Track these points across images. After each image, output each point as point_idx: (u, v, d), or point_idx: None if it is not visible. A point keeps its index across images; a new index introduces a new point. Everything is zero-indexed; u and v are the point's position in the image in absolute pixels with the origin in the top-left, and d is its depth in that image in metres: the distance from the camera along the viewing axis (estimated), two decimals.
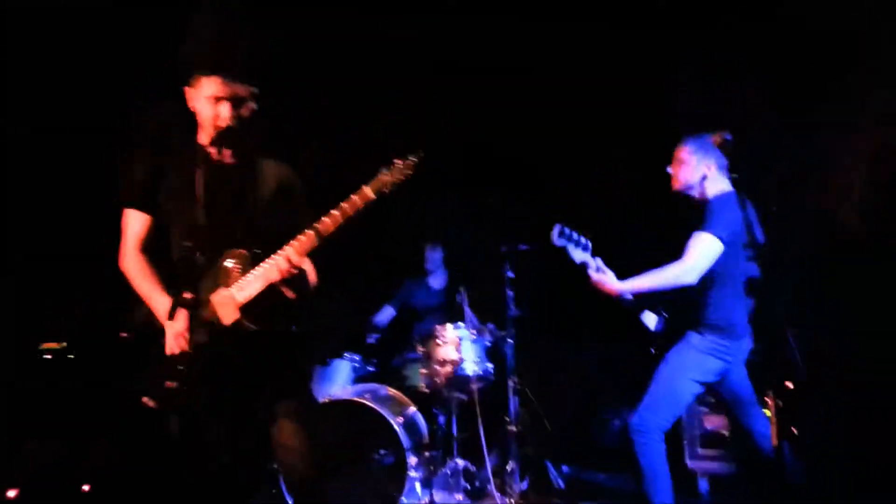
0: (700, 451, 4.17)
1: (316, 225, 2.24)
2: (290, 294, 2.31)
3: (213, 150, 2.28)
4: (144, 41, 3.99)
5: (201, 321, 2.25)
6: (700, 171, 3.14)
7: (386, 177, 2.25)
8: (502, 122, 5.23)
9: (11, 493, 3.64)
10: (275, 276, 2.23)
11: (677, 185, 3.20)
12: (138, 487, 3.51)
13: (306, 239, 2.24)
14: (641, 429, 2.94)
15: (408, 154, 2.28)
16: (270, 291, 2.28)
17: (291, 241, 2.24)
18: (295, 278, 2.25)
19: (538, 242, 4.43)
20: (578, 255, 3.06)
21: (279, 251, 2.24)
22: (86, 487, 3.77)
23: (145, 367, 2.32)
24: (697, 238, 2.97)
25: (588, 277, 3.09)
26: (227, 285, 2.29)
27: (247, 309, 2.28)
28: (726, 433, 4.10)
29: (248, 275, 2.28)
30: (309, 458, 2.30)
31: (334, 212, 2.24)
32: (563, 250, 3.05)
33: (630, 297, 3.12)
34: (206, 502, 2.31)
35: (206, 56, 2.27)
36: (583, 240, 3.05)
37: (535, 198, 5.21)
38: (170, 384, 2.21)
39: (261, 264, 2.27)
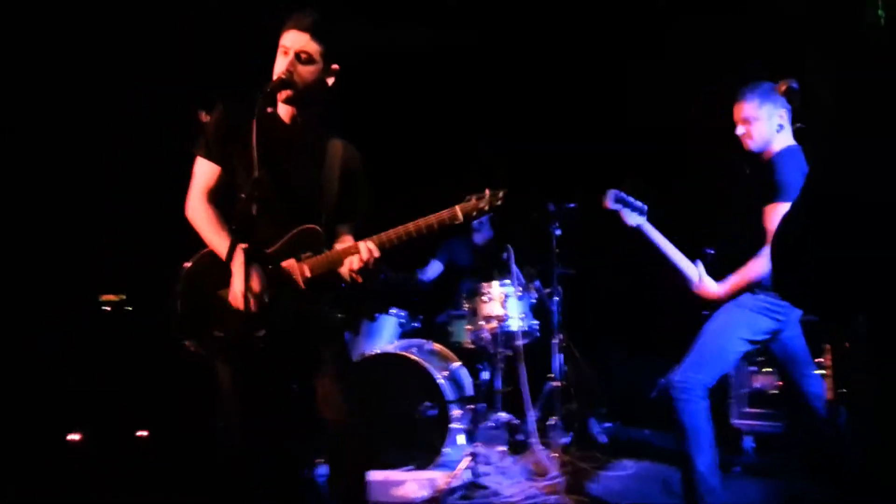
0: (747, 409, 4.14)
1: (400, 228, 2.31)
2: (358, 280, 2.36)
3: (267, 103, 2.30)
4: None
5: (268, 285, 2.31)
6: (775, 122, 2.91)
7: (479, 203, 2.34)
8: (550, 78, 5.18)
9: (75, 437, 3.82)
10: (354, 266, 2.30)
11: (754, 144, 2.95)
12: (192, 435, 3.65)
13: (386, 238, 2.31)
14: (684, 386, 2.86)
15: (497, 187, 2.37)
16: (336, 272, 2.36)
17: (374, 237, 2.32)
18: (368, 270, 2.31)
19: (586, 201, 4.42)
20: (633, 218, 2.97)
21: (361, 242, 2.32)
22: (143, 433, 3.93)
23: (197, 313, 2.37)
24: (777, 212, 2.75)
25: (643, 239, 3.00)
26: (298, 258, 2.35)
27: (311, 282, 2.35)
28: (773, 392, 4.06)
29: (322, 255, 2.35)
30: (350, 410, 2.35)
31: (420, 221, 2.31)
32: (616, 213, 2.97)
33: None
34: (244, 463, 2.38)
35: (292, 14, 2.33)
36: (638, 203, 2.96)
37: (583, 156, 5.15)
38: (218, 333, 2.30)
39: (336, 248, 2.35)
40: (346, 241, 2.43)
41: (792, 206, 1.52)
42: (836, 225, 1.38)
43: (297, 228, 2.37)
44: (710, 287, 2.97)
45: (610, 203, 2.95)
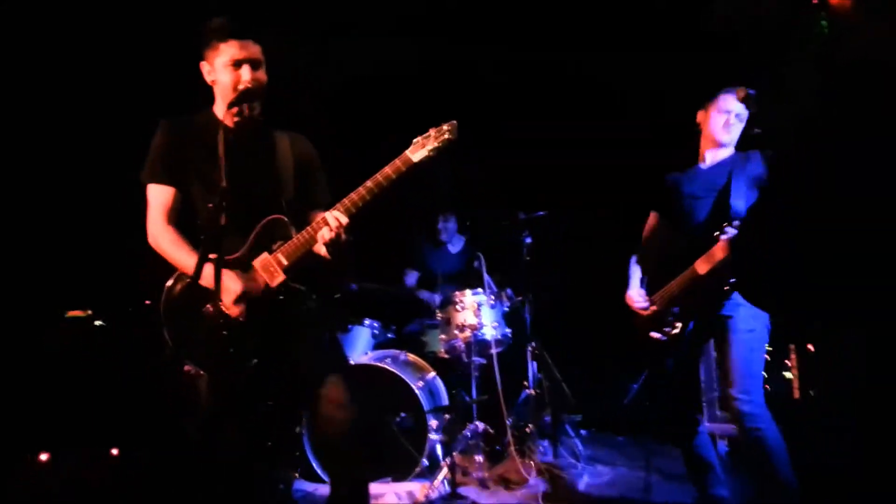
0: (719, 413, 4.18)
1: (360, 188, 2.28)
2: (333, 255, 2.32)
3: (231, 115, 2.30)
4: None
5: (247, 288, 2.29)
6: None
7: (426, 142, 2.29)
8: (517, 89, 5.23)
9: (43, 457, 3.74)
10: (325, 238, 2.26)
11: (733, 138, 3.00)
12: (166, 454, 3.59)
13: (350, 202, 2.28)
14: (760, 412, 2.65)
15: (441, 124, 2.31)
16: (312, 254, 2.33)
17: (337, 204, 2.28)
18: (339, 240, 2.27)
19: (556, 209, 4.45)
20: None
21: (326, 212, 2.28)
22: (114, 451, 3.87)
23: (186, 335, 2.34)
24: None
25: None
26: (270, 251, 2.34)
27: (290, 270, 2.33)
28: None
29: (293, 240, 2.33)
30: (354, 413, 2.32)
31: (378, 176, 2.28)
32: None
33: None
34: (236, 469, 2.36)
35: (223, 24, 2.33)
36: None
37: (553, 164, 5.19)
38: (210, 351, 2.26)
39: (306, 229, 2.31)
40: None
41: (754, 211, 1.55)
42: (799, 229, 1.41)
43: (260, 223, 2.35)
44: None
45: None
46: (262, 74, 2.37)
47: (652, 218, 3.29)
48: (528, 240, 4.54)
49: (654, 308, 2.99)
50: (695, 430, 2.96)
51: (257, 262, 2.34)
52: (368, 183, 2.28)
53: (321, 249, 2.31)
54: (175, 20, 3.95)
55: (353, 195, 2.28)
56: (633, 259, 3.23)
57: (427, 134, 2.31)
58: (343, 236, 2.26)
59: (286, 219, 2.36)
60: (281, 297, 2.34)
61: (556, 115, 5.21)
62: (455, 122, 2.31)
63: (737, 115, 2.97)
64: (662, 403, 3.01)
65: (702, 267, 2.79)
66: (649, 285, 3.09)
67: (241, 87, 2.31)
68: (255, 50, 2.34)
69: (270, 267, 2.33)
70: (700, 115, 3.13)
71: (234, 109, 2.29)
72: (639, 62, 4.74)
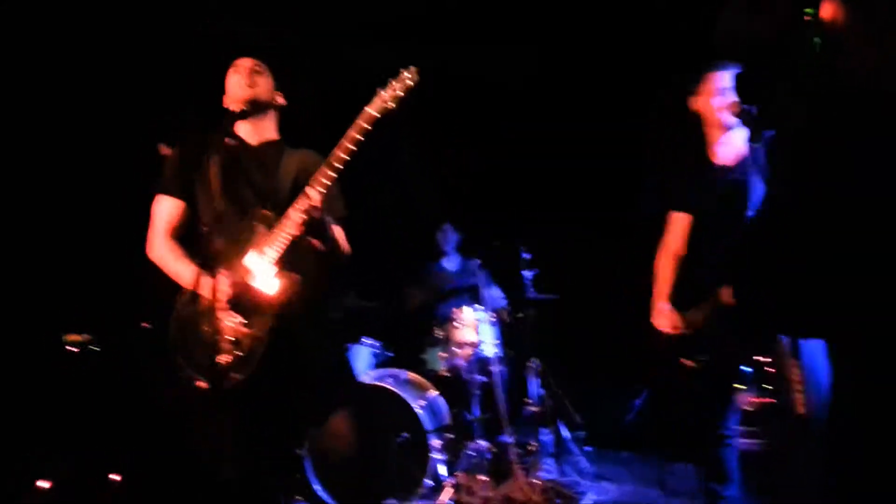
0: None
1: (328, 158, 2.22)
2: (317, 244, 2.29)
3: (229, 130, 2.30)
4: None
5: (247, 302, 2.24)
6: None
7: (385, 93, 2.24)
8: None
9: (44, 485, 3.71)
10: (298, 221, 2.21)
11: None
12: (166, 475, 3.56)
13: (321, 174, 2.22)
14: None
15: (401, 71, 2.26)
16: (300, 248, 2.27)
17: (311, 181, 2.22)
18: (318, 223, 2.23)
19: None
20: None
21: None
22: (116, 477, 3.83)
23: (189, 353, 2.30)
24: None
25: None
26: (258, 247, 2.28)
27: (282, 266, 2.26)
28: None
29: (273, 232, 2.26)
30: (357, 444, 2.33)
31: (343, 141, 2.23)
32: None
33: None
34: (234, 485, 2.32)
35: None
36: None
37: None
38: (223, 360, 2.17)
39: (283, 219, 2.25)
40: None
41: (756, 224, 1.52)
42: (801, 245, 1.39)
43: (250, 234, 2.30)
44: None
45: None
46: (259, 81, 2.40)
47: (685, 221, 2.97)
48: (527, 255, 4.52)
49: (682, 332, 2.84)
50: (724, 441, 2.83)
51: (247, 261, 2.26)
52: (337, 151, 2.22)
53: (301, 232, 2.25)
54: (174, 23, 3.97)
55: (325, 169, 2.22)
56: (665, 266, 2.98)
57: (387, 85, 2.25)
58: (317, 214, 2.21)
59: (272, 214, 2.29)
60: (284, 312, 2.26)
61: (555, 116, 5.16)
62: (415, 67, 2.25)
63: (733, 89, 2.78)
64: (683, 418, 2.91)
65: (726, 295, 2.66)
66: (673, 302, 2.93)
67: (231, 96, 2.37)
68: (247, 61, 2.41)
69: (261, 269, 2.25)
70: (694, 103, 2.91)
71: (228, 125, 2.32)
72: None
